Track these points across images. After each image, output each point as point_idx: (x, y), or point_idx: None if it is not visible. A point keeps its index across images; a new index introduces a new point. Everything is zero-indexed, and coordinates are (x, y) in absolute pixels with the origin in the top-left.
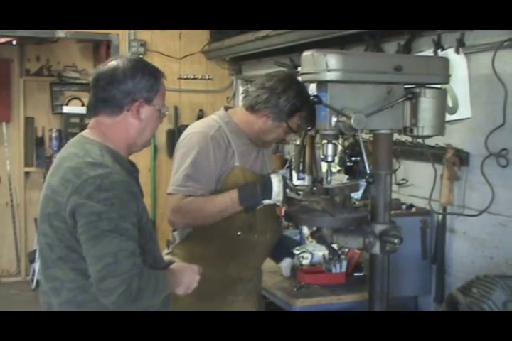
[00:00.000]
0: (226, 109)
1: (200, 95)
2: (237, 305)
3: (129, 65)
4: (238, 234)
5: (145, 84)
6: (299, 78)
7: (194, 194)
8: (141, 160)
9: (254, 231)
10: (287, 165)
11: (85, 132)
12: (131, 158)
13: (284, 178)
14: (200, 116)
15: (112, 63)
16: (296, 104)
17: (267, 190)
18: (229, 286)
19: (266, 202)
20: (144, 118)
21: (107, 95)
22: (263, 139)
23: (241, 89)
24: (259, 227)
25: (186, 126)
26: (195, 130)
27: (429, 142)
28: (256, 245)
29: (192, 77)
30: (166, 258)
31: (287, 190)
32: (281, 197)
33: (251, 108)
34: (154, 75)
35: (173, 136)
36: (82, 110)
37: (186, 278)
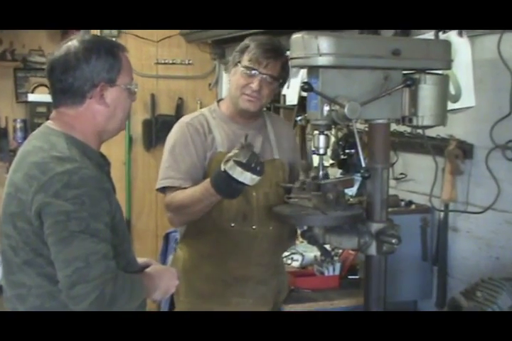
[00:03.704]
0: (219, 101)
1: (179, 82)
2: (244, 308)
3: (80, 47)
4: (232, 225)
5: (103, 65)
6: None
7: (173, 184)
8: (114, 152)
9: (250, 221)
10: None
11: (49, 122)
12: (103, 149)
13: (237, 162)
14: (180, 104)
15: (63, 48)
16: (243, 43)
17: (232, 179)
18: (232, 286)
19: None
20: (110, 103)
21: (64, 85)
22: (231, 96)
23: (224, 75)
24: (257, 217)
25: (164, 115)
26: (177, 122)
27: (429, 133)
28: (256, 238)
29: (170, 61)
30: (141, 260)
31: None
32: (252, 177)
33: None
34: (112, 52)
35: (150, 126)
36: (50, 98)
37: (164, 283)
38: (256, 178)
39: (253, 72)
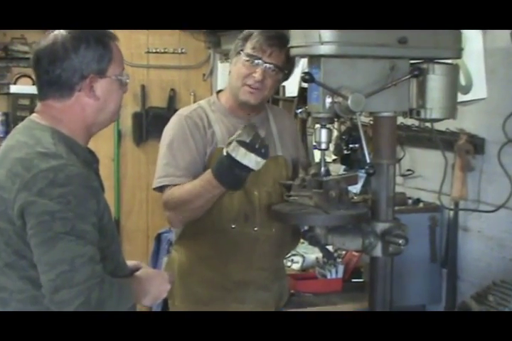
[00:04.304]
0: (218, 92)
1: (171, 72)
2: None
3: (68, 36)
4: (233, 226)
5: (93, 55)
6: None
7: (173, 182)
8: (102, 148)
9: (252, 222)
10: None
11: (34, 116)
12: (90, 145)
13: (240, 142)
14: (172, 96)
15: (50, 37)
16: (247, 31)
17: (235, 164)
18: (232, 291)
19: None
20: (101, 95)
21: (52, 77)
22: (231, 87)
23: (220, 65)
24: (260, 218)
25: (155, 108)
26: (175, 114)
27: (438, 126)
28: (258, 240)
29: (162, 50)
30: (131, 263)
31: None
32: (256, 158)
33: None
34: (102, 41)
35: (140, 119)
36: (33, 90)
37: (154, 287)
38: (261, 161)
39: (256, 61)
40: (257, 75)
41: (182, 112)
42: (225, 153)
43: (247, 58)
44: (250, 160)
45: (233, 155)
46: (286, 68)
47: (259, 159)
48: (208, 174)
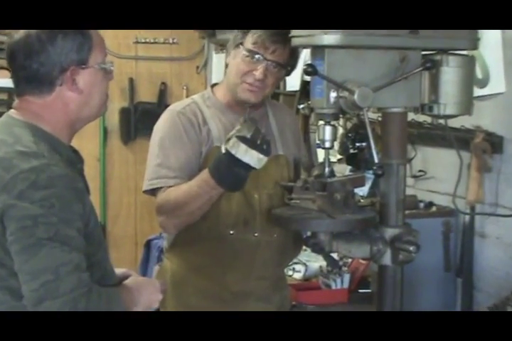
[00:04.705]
0: (213, 86)
1: (162, 64)
2: None
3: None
4: (231, 232)
5: (71, 45)
6: None
7: (166, 184)
8: (87, 146)
9: (252, 228)
10: None
11: (13, 112)
12: (73, 143)
13: (240, 138)
14: (163, 90)
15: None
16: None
17: (235, 162)
18: (230, 303)
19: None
20: (84, 88)
21: (29, 73)
22: (229, 83)
23: (215, 56)
24: (260, 223)
25: (145, 103)
26: (166, 109)
27: (452, 123)
28: (258, 247)
29: (152, 40)
30: (119, 271)
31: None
32: (258, 156)
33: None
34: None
35: (128, 116)
36: (11, 83)
37: (145, 297)
38: (263, 158)
39: (257, 56)
40: (258, 74)
41: (174, 108)
42: (223, 150)
43: (248, 54)
44: (252, 157)
45: (233, 152)
46: (289, 65)
47: (261, 156)
48: (205, 174)
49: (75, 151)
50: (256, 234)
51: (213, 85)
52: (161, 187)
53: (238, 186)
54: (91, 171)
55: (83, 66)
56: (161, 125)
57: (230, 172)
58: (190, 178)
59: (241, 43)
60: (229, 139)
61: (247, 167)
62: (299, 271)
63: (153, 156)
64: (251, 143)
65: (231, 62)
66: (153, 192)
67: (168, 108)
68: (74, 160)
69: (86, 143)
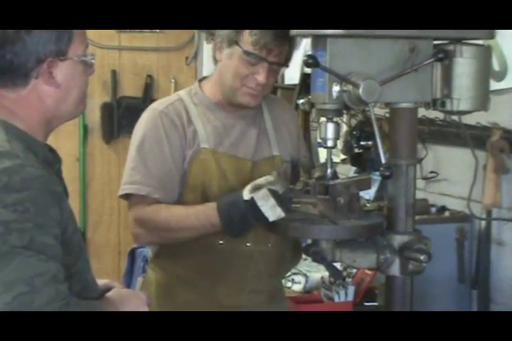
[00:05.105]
0: (201, 80)
1: (148, 55)
2: None
3: None
4: (220, 242)
5: (50, 35)
6: None
7: (139, 192)
8: (65, 145)
9: (245, 236)
10: None
11: None
12: (50, 142)
13: (272, 192)
14: (149, 84)
15: None
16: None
17: (254, 213)
18: None
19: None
20: (62, 81)
21: (2, 63)
22: (225, 85)
23: (205, 45)
24: (253, 231)
25: (129, 98)
26: (148, 108)
27: (467, 120)
28: (251, 258)
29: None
30: (101, 282)
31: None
32: (281, 214)
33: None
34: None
35: (111, 111)
36: None
37: (129, 310)
38: (282, 217)
39: (259, 59)
40: (261, 78)
41: (157, 106)
42: (246, 197)
43: (247, 57)
44: (274, 213)
45: (259, 203)
46: (288, 59)
47: (282, 214)
48: (212, 210)
49: (52, 150)
50: (248, 244)
51: (202, 79)
52: (134, 194)
53: (242, 235)
54: (70, 172)
55: (62, 58)
56: (141, 126)
57: (243, 221)
58: (167, 187)
59: (236, 41)
60: (256, 188)
61: (263, 220)
62: (298, 283)
63: (130, 158)
64: (280, 200)
65: (225, 61)
66: (127, 196)
67: (150, 106)
68: (51, 160)
69: (64, 141)
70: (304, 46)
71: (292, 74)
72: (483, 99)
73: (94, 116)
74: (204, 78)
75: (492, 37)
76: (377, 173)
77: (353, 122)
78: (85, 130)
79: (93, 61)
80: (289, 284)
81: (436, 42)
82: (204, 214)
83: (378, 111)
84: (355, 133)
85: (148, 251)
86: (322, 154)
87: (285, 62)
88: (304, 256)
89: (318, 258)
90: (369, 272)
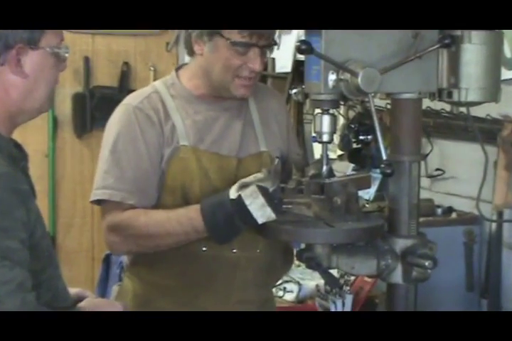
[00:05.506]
0: (178, 69)
1: (125, 40)
2: None
3: None
4: (204, 249)
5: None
6: None
7: (111, 198)
8: (32, 140)
9: (230, 243)
10: None
11: None
12: (16, 136)
13: (262, 189)
14: (125, 72)
15: None
16: None
17: (241, 214)
18: None
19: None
20: (30, 72)
21: None
22: (214, 80)
23: None
24: (240, 237)
25: (103, 87)
26: (121, 103)
27: (476, 112)
28: (237, 265)
29: None
30: (72, 291)
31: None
32: (271, 214)
33: (186, 44)
34: None
35: (83, 103)
36: None
37: None
38: (272, 218)
39: (248, 47)
40: (257, 65)
41: (130, 101)
42: (232, 195)
43: (237, 47)
44: (264, 213)
45: (247, 202)
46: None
47: (272, 215)
48: (194, 212)
49: (18, 146)
50: (234, 250)
51: (178, 68)
52: (108, 200)
53: (230, 239)
54: (37, 170)
55: (33, 46)
56: (114, 123)
57: (229, 224)
58: (143, 191)
59: (218, 33)
60: (245, 186)
61: (251, 222)
62: (291, 291)
63: (103, 160)
64: (271, 198)
65: (209, 55)
66: (100, 202)
67: (124, 101)
68: (16, 156)
69: (31, 135)
70: (298, 31)
71: (284, 62)
72: (493, 89)
73: (64, 107)
74: (181, 67)
75: None
76: (378, 171)
77: (351, 114)
78: (55, 123)
79: (67, 55)
80: (281, 293)
81: None
82: (186, 217)
83: (379, 102)
84: (353, 126)
85: (124, 257)
86: (317, 150)
87: (275, 41)
88: (297, 262)
89: (313, 264)
90: (368, 280)
